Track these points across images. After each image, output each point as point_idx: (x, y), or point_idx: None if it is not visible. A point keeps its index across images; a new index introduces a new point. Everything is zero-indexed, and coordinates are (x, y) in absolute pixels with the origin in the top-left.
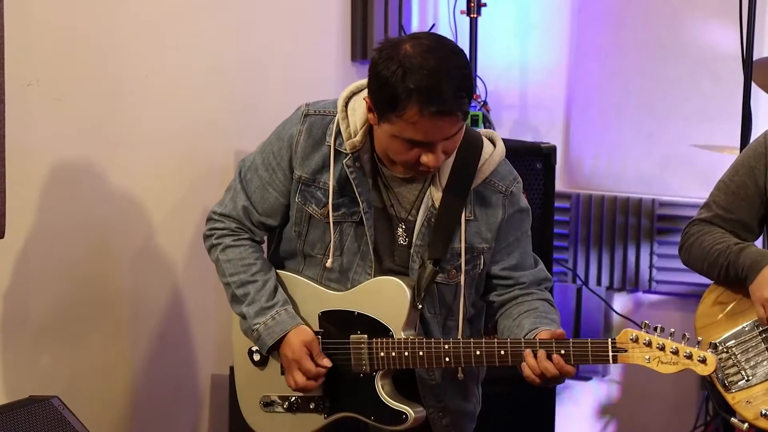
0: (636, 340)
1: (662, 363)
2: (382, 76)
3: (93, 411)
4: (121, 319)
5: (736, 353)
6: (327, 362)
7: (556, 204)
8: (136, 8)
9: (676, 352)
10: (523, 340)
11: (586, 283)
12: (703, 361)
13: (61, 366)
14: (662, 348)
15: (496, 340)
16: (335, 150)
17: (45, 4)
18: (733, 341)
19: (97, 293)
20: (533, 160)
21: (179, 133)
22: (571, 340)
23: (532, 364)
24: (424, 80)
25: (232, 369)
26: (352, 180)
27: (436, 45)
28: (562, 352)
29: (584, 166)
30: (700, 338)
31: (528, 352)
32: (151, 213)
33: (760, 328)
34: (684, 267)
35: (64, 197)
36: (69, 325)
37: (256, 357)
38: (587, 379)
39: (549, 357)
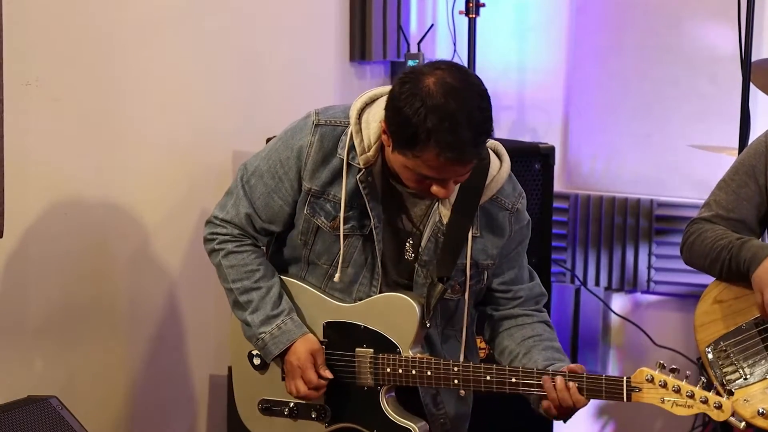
0: (651, 381)
1: (677, 405)
2: (403, 114)
3: (91, 411)
4: (119, 320)
5: (735, 352)
6: (329, 374)
7: (555, 204)
8: (134, 9)
9: (691, 396)
10: (535, 369)
11: (584, 283)
12: (719, 407)
13: (60, 366)
14: (678, 390)
15: (507, 367)
16: (347, 163)
17: (44, 4)
18: (732, 340)
19: (96, 294)
20: (532, 161)
21: (177, 134)
22: (585, 375)
23: (549, 389)
24: (444, 124)
25: (230, 369)
26: (364, 195)
27: (460, 85)
28: (576, 384)
29: (583, 166)
30: (703, 377)
31: (546, 379)
32: (149, 214)
33: (759, 328)
34: (683, 267)
35: (62, 198)
36: (67, 325)
37: (257, 360)
38: None
39: (567, 389)
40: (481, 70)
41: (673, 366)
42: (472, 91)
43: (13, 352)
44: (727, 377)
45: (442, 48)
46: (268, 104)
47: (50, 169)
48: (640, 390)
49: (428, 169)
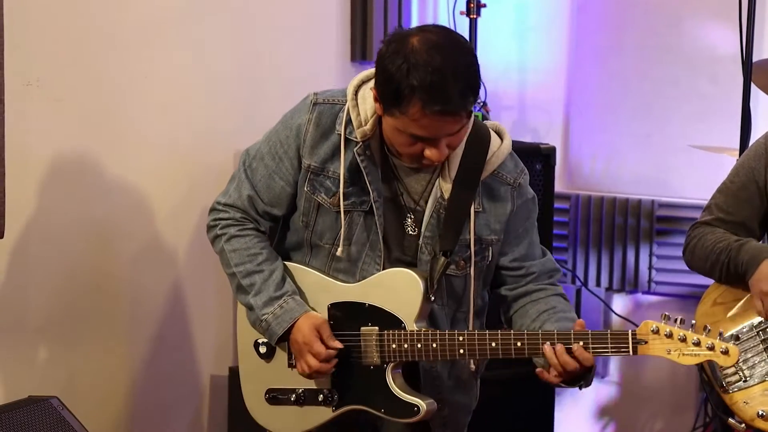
0: (657, 332)
1: (683, 354)
2: (388, 71)
3: (92, 411)
4: (120, 320)
5: None
6: (337, 344)
7: (556, 205)
8: (136, 9)
9: (698, 344)
10: (540, 332)
11: (585, 284)
12: (726, 352)
13: (61, 366)
14: (683, 339)
15: (512, 331)
16: (345, 138)
17: (45, 5)
18: (732, 342)
19: (97, 294)
20: (532, 161)
21: (179, 134)
22: (590, 331)
23: (551, 357)
24: (427, 78)
25: (231, 369)
26: (362, 168)
27: (444, 41)
28: (581, 343)
29: (583, 167)
30: (710, 328)
31: (547, 347)
32: (151, 213)
33: (759, 329)
34: (683, 268)
35: (64, 197)
36: (68, 325)
37: (263, 349)
38: None
39: (569, 352)
40: (481, 71)
41: (678, 317)
42: (457, 48)
43: (13, 352)
44: (727, 379)
45: None
46: (268, 105)
47: (51, 169)
48: (646, 342)
49: (417, 126)
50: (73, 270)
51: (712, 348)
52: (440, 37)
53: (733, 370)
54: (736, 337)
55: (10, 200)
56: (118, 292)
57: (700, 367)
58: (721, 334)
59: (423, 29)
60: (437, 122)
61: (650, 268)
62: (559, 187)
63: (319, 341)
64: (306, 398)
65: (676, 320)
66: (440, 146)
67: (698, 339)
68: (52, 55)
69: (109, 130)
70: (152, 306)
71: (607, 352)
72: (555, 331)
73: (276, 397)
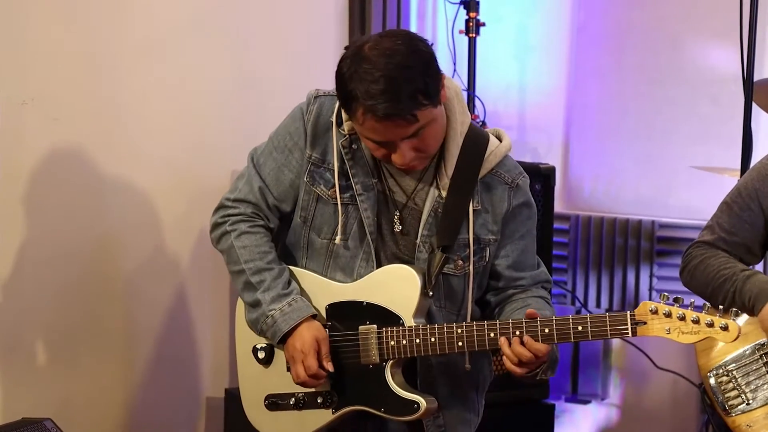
0: (655, 312)
1: (683, 333)
2: (338, 76)
3: None
4: (114, 342)
5: (737, 376)
6: (330, 367)
7: (555, 225)
8: (132, 29)
9: (696, 321)
10: (539, 319)
11: (585, 305)
12: (725, 328)
13: (55, 388)
14: (682, 318)
15: (510, 320)
16: (339, 132)
17: (40, 24)
18: (734, 364)
19: (92, 315)
20: (532, 182)
21: (175, 154)
22: (588, 315)
23: (504, 349)
24: (365, 84)
25: (227, 391)
26: (346, 161)
27: (395, 46)
28: (580, 328)
29: (583, 187)
30: (708, 304)
31: (503, 340)
32: (147, 233)
33: (761, 352)
34: (684, 289)
35: (59, 217)
36: (63, 346)
37: (261, 354)
38: (586, 402)
39: (521, 343)
40: (481, 91)
41: (677, 296)
42: (406, 52)
43: (7, 373)
44: (730, 402)
45: (442, 67)
46: (266, 125)
47: (47, 188)
48: (645, 323)
49: (367, 131)
50: (68, 292)
51: (711, 324)
52: (393, 42)
53: (735, 393)
54: (738, 359)
55: (4, 221)
56: (112, 313)
57: (702, 389)
58: (736, 313)
59: (382, 35)
60: (382, 126)
61: (651, 289)
62: (558, 207)
63: (315, 356)
64: (305, 402)
65: (675, 299)
66: (401, 150)
67: (697, 317)
68: (47, 74)
69: (105, 150)
70: (147, 328)
71: (606, 334)
72: (553, 318)
73: (275, 402)
